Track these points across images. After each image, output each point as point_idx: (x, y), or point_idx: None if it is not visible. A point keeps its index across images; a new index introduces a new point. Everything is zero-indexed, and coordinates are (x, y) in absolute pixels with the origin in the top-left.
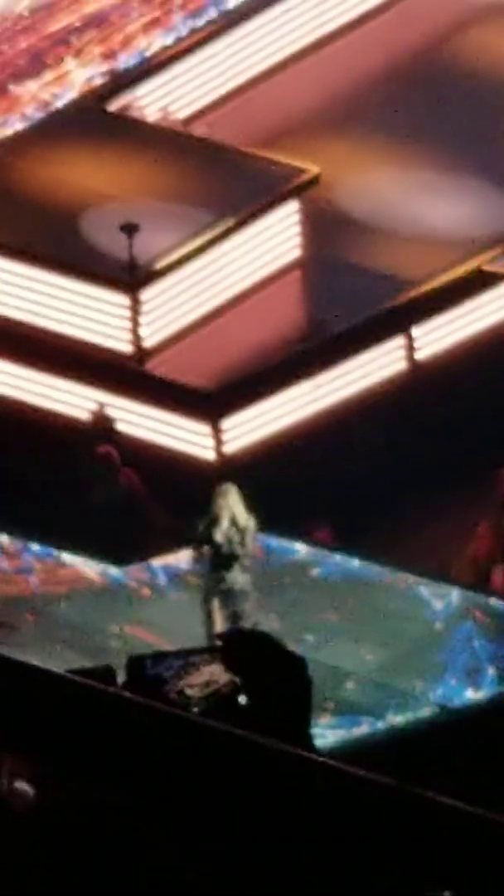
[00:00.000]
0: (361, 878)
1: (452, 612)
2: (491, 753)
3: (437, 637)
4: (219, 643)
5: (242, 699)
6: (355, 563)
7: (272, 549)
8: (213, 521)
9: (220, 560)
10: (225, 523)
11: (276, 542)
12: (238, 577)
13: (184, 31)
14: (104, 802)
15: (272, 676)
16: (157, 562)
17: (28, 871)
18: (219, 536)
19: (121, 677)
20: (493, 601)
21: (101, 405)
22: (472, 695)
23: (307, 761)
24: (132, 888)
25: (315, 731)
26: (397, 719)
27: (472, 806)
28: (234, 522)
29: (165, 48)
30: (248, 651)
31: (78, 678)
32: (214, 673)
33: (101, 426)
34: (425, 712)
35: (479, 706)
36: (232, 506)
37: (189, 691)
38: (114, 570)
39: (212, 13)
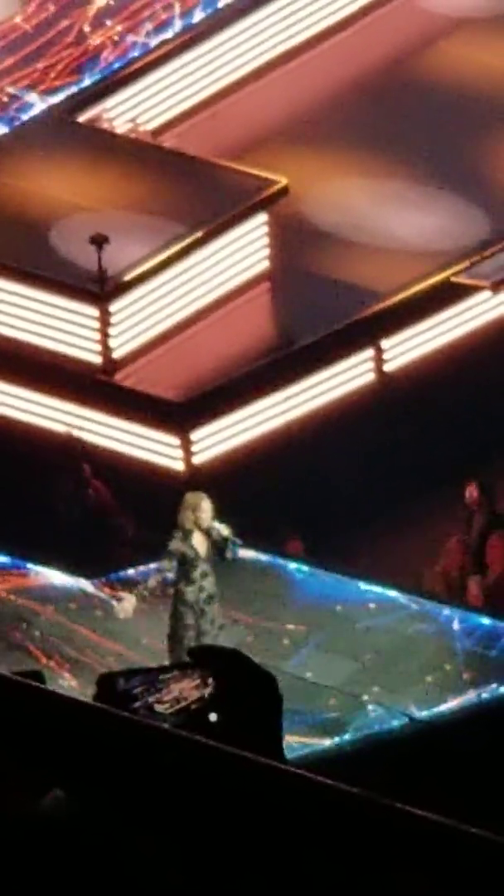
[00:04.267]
0: (332, 888)
1: (423, 624)
2: (462, 764)
3: (407, 648)
4: (189, 660)
5: (213, 716)
6: (324, 574)
7: (241, 561)
8: (185, 532)
9: (190, 571)
10: (196, 533)
11: (245, 552)
12: (208, 588)
13: (153, 43)
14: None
15: (242, 692)
16: (126, 573)
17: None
18: (188, 547)
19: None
20: (463, 613)
21: (69, 427)
22: (443, 706)
23: (277, 772)
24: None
25: (285, 744)
26: (367, 731)
27: (444, 817)
28: (207, 532)
29: (134, 59)
30: (218, 667)
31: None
32: (184, 690)
33: (71, 443)
34: (395, 723)
35: (448, 717)
36: (203, 515)
37: (158, 707)
38: (83, 582)
39: (178, 26)
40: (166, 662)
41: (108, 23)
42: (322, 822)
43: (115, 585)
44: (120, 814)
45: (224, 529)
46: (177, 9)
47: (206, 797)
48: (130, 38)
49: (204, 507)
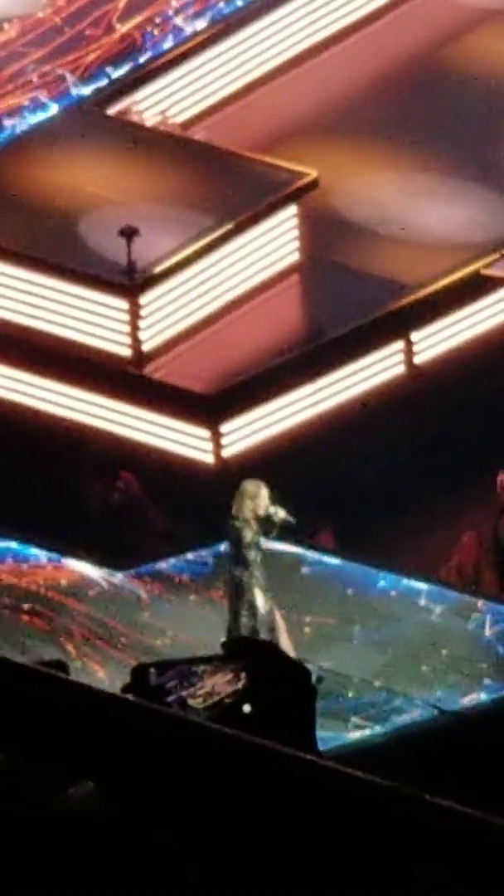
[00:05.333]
0: (365, 879)
1: (449, 616)
2: (490, 756)
3: (434, 640)
4: (223, 652)
5: (247, 707)
6: (356, 566)
7: (274, 552)
8: (244, 521)
9: (247, 557)
10: (252, 522)
11: (276, 544)
12: (258, 576)
13: (182, 35)
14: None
15: (276, 685)
16: (157, 565)
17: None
18: (251, 535)
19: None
20: (494, 605)
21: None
22: (471, 698)
23: (312, 765)
24: (131, 888)
25: (318, 736)
26: (397, 723)
27: (473, 808)
28: (265, 519)
29: (164, 52)
30: (252, 660)
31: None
32: (217, 684)
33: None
34: (424, 715)
35: (478, 709)
36: (262, 504)
37: (192, 702)
38: (115, 575)
39: (208, 18)
40: (196, 654)
41: (139, 15)
42: (354, 815)
43: (146, 578)
44: (146, 808)
45: (281, 511)
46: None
47: (237, 790)
48: (160, 30)
49: (262, 496)
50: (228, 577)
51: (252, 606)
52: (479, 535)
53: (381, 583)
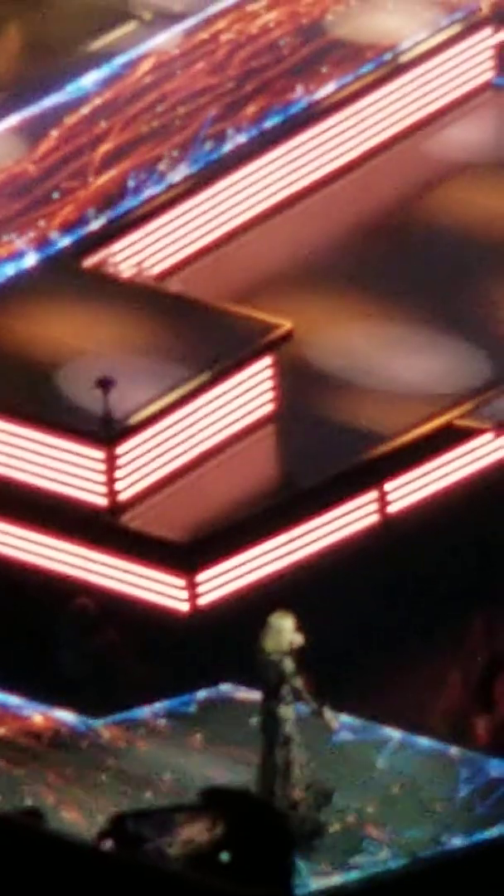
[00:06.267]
0: None
1: (427, 764)
2: None
3: (412, 789)
4: (200, 801)
5: (224, 855)
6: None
7: (244, 700)
8: (281, 656)
9: (286, 694)
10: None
11: (249, 693)
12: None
13: (158, 188)
14: None
15: (253, 834)
16: (134, 713)
17: None
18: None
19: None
20: (468, 754)
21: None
22: (447, 844)
23: None
24: None
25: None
26: (372, 869)
27: None
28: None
29: (140, 204)
30: (230, 808)
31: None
32: (194, 832)
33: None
34: (400, 861)
35: (451, 856)
36: (295, 638)
37: (169, 850)
38: (92, 723)
39: (183, 171)
40: (174, 801)
41: (116, 167)
42: None
43: (124, 725)
44: None
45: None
46: (180, 153)
47: None
48: (135, 183)
49: (289, 628)
50: (264, 713)
51: (289, 741)
52: (465, 677)
53: (357, 729)
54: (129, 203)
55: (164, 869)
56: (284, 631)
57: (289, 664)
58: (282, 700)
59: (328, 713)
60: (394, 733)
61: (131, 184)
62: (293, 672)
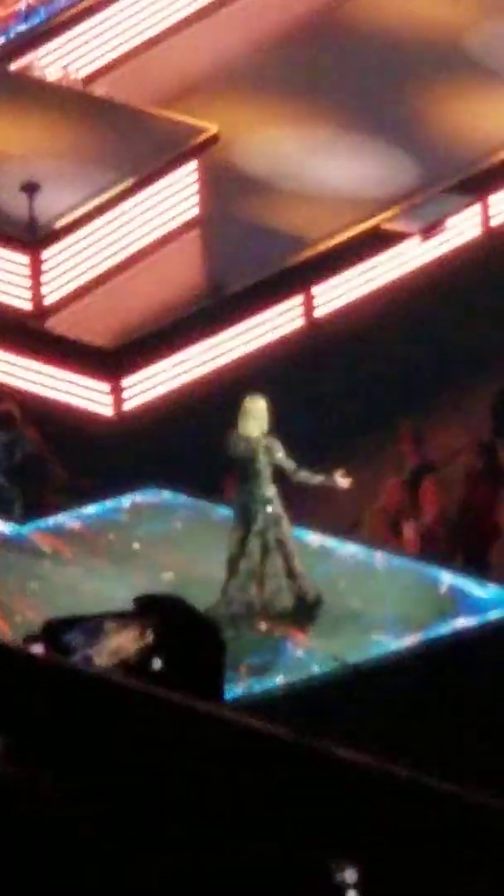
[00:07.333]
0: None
1: (356, 568)
2: (394, 708)
3: (339, 592)
4: (134, 608)
5: (157, 663)
6: None
7: (174, 506)
8: (249, 440)
9: (256, 487)
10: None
11: (179, 498)
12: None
13: None
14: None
15: (184, 641)
16: (57, 519)
17: None
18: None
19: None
20: (395, 557)
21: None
22: (375, 650)
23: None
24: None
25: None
26: (298, 674)
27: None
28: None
29: (66, 8)
30: (161, 615)
31: None
32: (122, 642)
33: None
34: (328, 667)
35: (377, 661)
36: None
37: (97, 660)
38: (16, 527)
39: None
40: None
41: None
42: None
43: (50, 532)
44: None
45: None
46: None
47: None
48: None
49: (263, 411)
50: (239, 498)
51: (279, 521)
52: (403, 481)
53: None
54: (54, 7)
55: (95, 672)
56: (263, 412)
57: (275, 442)
58: (254, 480)
59: (333, 476)
60: (325, 538)
61: None
62: (279, 448)
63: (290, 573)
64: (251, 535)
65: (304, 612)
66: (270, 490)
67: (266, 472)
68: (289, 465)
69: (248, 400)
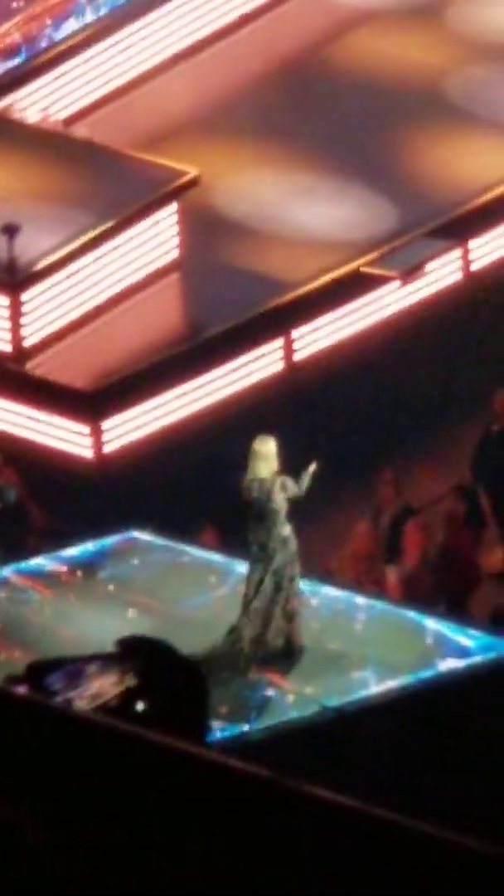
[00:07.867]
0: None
1: (336, 613)
2: (375, 750)
3: (318, 637)
4: (116, 650)
5: (140, 705)
6: (238, 564)
7: (153, 549)
8: (262, 482)
9: (273, 527)
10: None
11: (158, 541)
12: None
13: (64, 34)
14: None
15: (169, 683)
16: (35, 561)
17: None
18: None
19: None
20: (375, 601)
21: None
22: (354, 695)
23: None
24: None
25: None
26: (281, 717)
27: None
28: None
29: (46, 50)
30: (144, 659)
31: None
32: (103, 686)
33: None
34: (308, 710)
35: (359, 705)
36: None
37: (78, 703)
38: None
39: (89, 16)
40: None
41: (20, 13)
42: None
43: (28, 575)
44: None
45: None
46: None
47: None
48: (41, 29)
49: (273, 452)
50: (252, 539)
51: (280, 568)
52: (373, 525)
53: None
54: (34, 48)
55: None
56: (272, 452)
57: (287, 479)
58: (271, 521)
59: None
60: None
61: (36, 30)
62: (292, 484)
63: (290, 616)
64: (268, 574)
65: (290, 656)
66: (286, 529)
67: (283, 511)
68: (300, 489)
69: (257, 442)
